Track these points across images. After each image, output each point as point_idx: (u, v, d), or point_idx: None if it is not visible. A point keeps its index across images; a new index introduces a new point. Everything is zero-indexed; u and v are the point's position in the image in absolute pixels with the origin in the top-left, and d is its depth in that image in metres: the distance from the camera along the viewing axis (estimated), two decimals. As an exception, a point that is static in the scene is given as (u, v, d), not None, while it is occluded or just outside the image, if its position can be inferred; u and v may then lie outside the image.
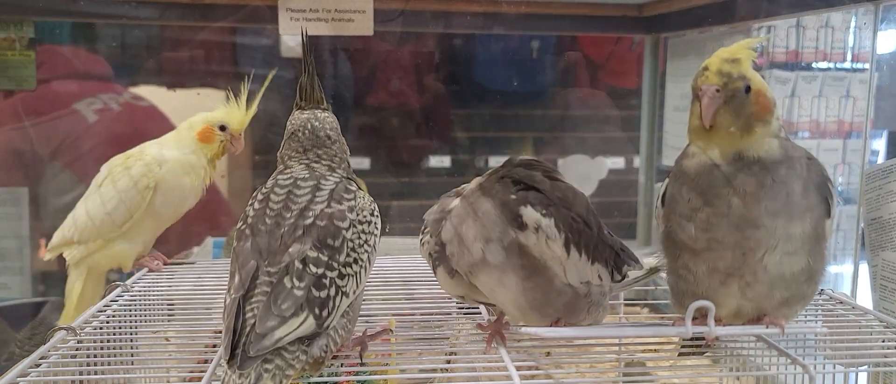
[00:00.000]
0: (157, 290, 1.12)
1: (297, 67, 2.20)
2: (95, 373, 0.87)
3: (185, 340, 1.00)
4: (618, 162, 2.33)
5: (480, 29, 2.19)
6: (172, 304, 1.12)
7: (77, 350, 0.87)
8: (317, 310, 0.70)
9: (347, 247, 0.74)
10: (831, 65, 2.22)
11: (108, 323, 0.97)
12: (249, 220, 0.76)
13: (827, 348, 0.94)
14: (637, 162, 2.21)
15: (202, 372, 0.79)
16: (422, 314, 1.10)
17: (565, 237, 0.79)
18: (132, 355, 1.00)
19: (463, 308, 1.10)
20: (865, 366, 0.93)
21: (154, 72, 2.08)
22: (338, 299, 0.72)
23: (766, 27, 2.08)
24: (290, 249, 0.72)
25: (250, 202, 0.79)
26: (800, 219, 0.78)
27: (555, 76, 2.35)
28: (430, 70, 2.32)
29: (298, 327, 0.69)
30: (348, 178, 0.83)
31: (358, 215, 0.77)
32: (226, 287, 0.74)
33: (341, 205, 0.76)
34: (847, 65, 2.24)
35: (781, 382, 1.02)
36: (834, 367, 0.92)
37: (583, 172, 2.21)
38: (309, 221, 0.74)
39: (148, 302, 1.09)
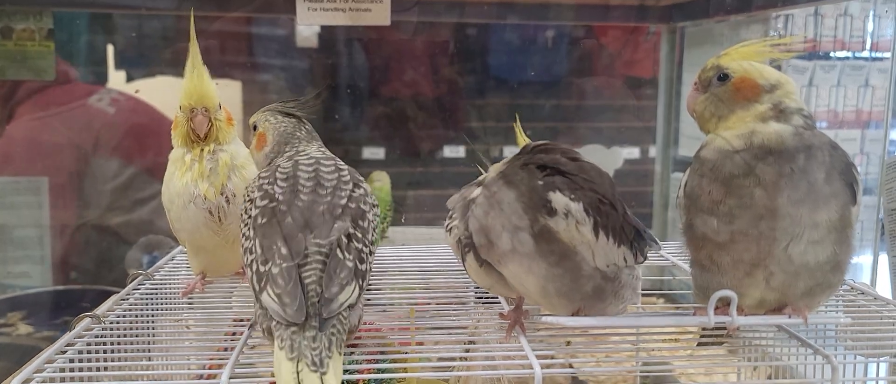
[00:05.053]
0: (178, 279, 1.13)
1: (313, 58, 2.22)
2: (119, 360, 0.88)
3: (205, 328, 1.01)
4: (633, 152, 2.32)
5: (496, 18, 2.18)
6: (191, 293, 1.13)
7: (101, 337, 0.88)
8: (361, 281, 0.76)
9: (371, 228, 0.81)
10: (850, 54, 2.20)
11: (130, 310, 0.98)
12: (279, 197, 0.79)
13: (848, 339, 0.94)
14: (653, 152, 2.21)
15: (223, 359, 0.80)
16: (439, 303, 1.10)
17: (594, 221, 0.79)
18: (153, 342, 1.01)
19: (481, 297, 1.10)
20: (887, 357, 0.92)
21: (171, 62, 2.09)
22: (368, 273, 0.79)
23: (783, 16, 2.06)
24: (335, 225, 0.77)
25: (267, 181, 0.81)
26: (824, 206, 0.78)
27: (570, 65, 2.34)
28: (445, 60, 2.32)
29: (351, 295, 0.74)
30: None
31: (372, 199, 0.84)
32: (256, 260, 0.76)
33: (360, 189, 0.83)
34: (866, 53, 2.22)
35: (800, 373, 1.02)
36: (855, 358, 0.92)
37: (598, 162, 2.20)
38: (343, 201, 0.79)
39: (169, 290, 1.10)
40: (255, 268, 0.75)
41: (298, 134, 0.89)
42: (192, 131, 0.99)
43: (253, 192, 0.81)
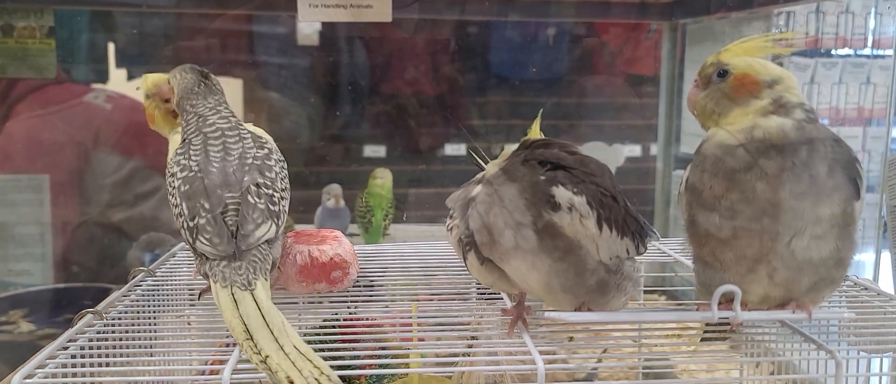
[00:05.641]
0: (180, 275, 1.13)
1: (314, 55, 2.22)
2: (121, 357, 0.87)
3: (207, 324, 1.01)
4: (635, 150, 2.32)
5: (497, 16, 2.18)
6: (193, 289, 1.12)
7: (102, 333, 0.88)
8: (275, 220, 0.91)
9: (279, 177, 0.96)
10: (851, 51, 2.20)
11: (132, 307, 0.98)
12: (195, 167, 0.94)
13: (850, 334, 0.94)
14: (654, 149, 2.20)
15: (225, 356, 0.80)
16: (441, 299, 1.10)
17: (597, 214, 0.79)
18: (155, 338, 1.01)
19: (483, 294, 1.10)
20: (890, 353, 0.92)
21: (171, 60, 2.09)
22: (282, 215, 0.94)
23: (785, 13, 2.06)
24: (245, 179, 0.93)
25: (183, 156, 0.96)
26: (827, 200, 0.78)
27: (571, 63, 2.34)
28: (446, 57, 2.32)
29: (267, 231, 0.89)
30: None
31: (276, 154, 0.99)
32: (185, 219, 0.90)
33: (263, 150, 0.98)
34: (867, 51, 2.22)
35: (803, 369, 1.02)
36: (858, 354, 0.92)
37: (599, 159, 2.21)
38: (249, 161, 0.95)
39: (170, 286, 1.10)
40: (185, 225, 0.90)
41: (196, 89, 1.02)
42: (164, 102, 1.11)
43: (173, 166, 0.96)
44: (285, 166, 0.99)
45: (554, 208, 0.79)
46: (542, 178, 0.80)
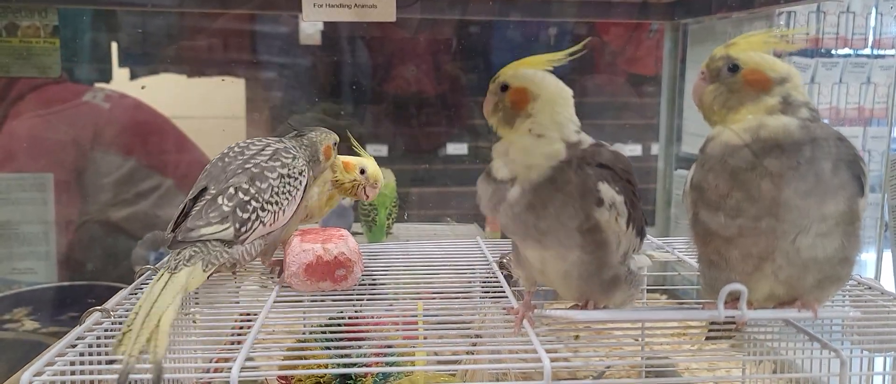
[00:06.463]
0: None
1: (316, 55, 2.22)
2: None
3: (212, 323, 1.01)
4: (636, 149, 2.33)
5: (498, 15, 2.18)
6: (198, 289, 1.12)
7: (110, 331, 0.88)
8: (238, 225, 0.97)
9: (272, 190, 1.01)
10: (852, 51, 2.20)
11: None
12: (213, 161, 1.05)
13: (854, 333, 0.94)
14: (655, 149, 2.20)
15: (231, 353, 0.80)
16: (445, 297, 1.10)
17: (628, 213, 0.80)
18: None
19: (488, 293, 1.10)
20: (893, 352, 0.92)
21: (174, 60, 2.10)
22: (256, 223, 0.99)
23: (786, 13, 2.06)
24: (231, 180, 1.00)
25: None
26: (832, 198, 0.78)
27: (573, 62, 2.33)
28: (447, 57, 2.32)
29: (220, 232, 0.95)
30: (298, 153, 1.10)
31: (288, 171, 1.05)
32: None
33: (276, 162, 1.04)
34: (868, 51, 2.22)
35: (805, 368, 1.02)
36: (861, 353, 0.92)
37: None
38: (249, 167, 1.02)
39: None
40: None
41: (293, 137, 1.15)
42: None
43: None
44: (295, 183, 1.05)
45: (598, 203, 0.80)
46: (590, 172, 0.81)
